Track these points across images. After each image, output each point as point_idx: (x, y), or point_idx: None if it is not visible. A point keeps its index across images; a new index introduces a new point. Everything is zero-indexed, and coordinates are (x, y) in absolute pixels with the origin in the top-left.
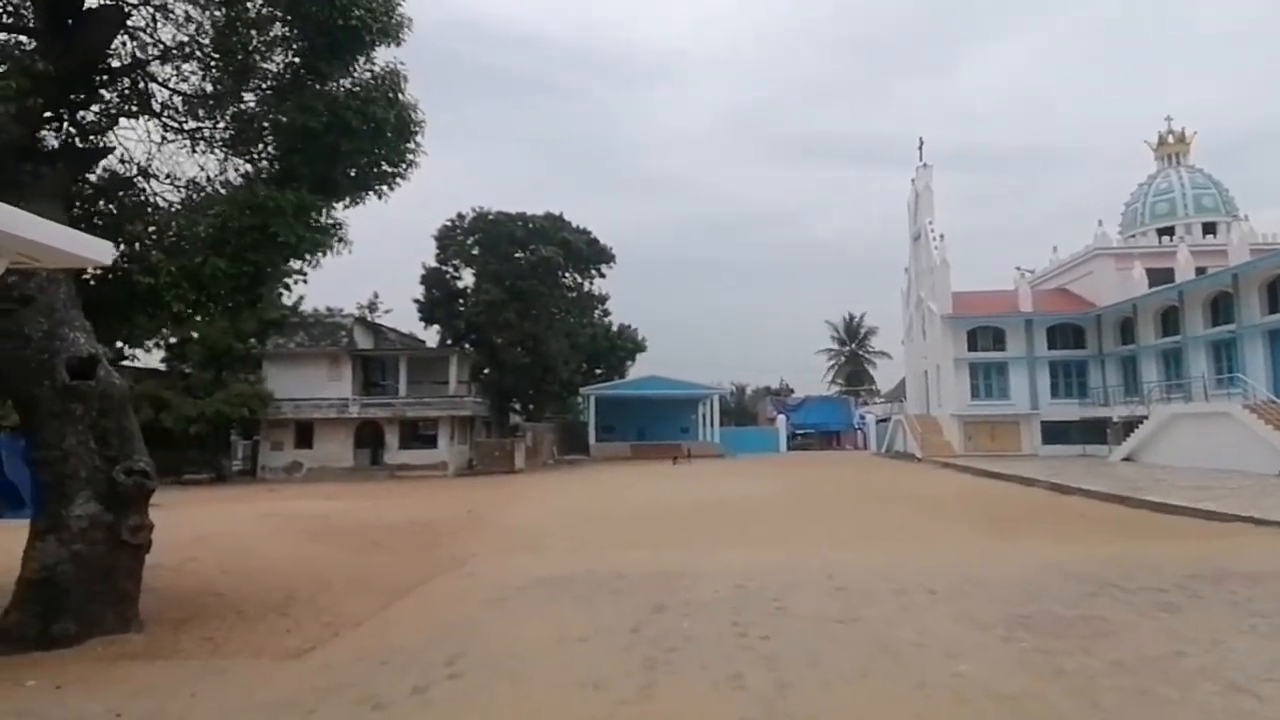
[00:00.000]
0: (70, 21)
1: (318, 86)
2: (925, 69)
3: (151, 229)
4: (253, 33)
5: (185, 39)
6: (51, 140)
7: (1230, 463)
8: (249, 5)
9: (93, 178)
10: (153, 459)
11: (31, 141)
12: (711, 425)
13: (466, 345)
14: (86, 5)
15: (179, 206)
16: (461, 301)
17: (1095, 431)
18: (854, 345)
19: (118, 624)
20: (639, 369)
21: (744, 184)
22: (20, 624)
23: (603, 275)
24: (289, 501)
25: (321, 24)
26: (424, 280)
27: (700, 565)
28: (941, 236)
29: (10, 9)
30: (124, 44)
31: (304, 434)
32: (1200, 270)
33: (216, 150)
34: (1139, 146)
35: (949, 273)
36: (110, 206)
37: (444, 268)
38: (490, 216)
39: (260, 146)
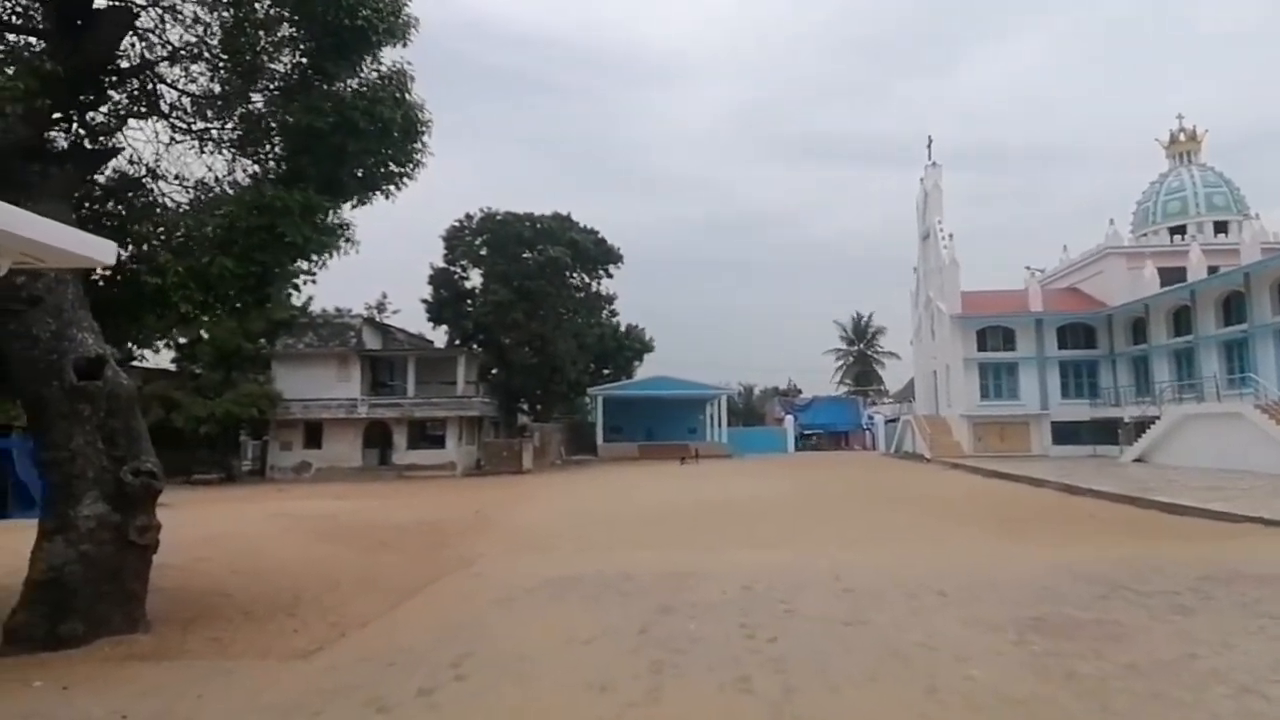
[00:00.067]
0: (79, 23)
1: (325, 87)
2: (927, 68)
3: (159, 229)
4: (261, 33)
5: (193, 40)
6: (61, 141)
7: (1242, 463)
8: (257, 6)
9: (101, 179)
10: (163, 459)
11: (40, 142)
12: (719, 425)
13: (474, 345)
14: (95, 6)
15: (187, 207)
16: (469, 302)
17: (1106, 432)
18: (862, 345)
19: (125, 624)
20: (647, 369)
21: (748, 184)
22: (28, 624)
23: (610, 275)
24: (298, 501)
25: (328, 24)
26: (432, 280)
27: (708, 566)
28: (950, 236)
29: (19, 10)
30: (132, 45)
31: (313, 434)
32: (1212, 269)
33: (224, 151)
34: (1140, 146)
35: (958, 272)
36: (119, 208)
37: (452, 268)
38: (498, 217)
39: (268, 147)
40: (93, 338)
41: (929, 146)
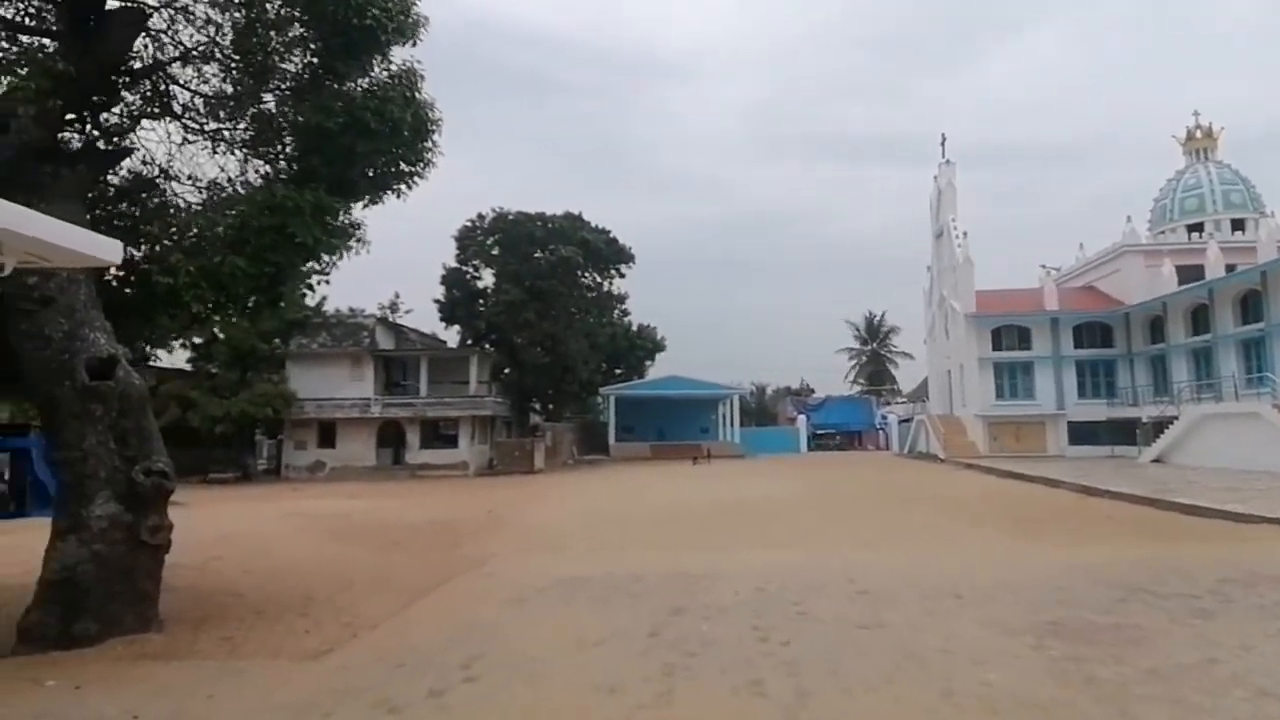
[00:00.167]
0: (91, 24)
1: (336, 87)
2: (940, 66)
3: (172, 230)
4: (272, 34)
5: (205, 40)
6: (75, 142)
7: (1261, 463)
8: (268, 6)
9: (115, 180)
10: (179, 458)
11: (53, 143)
12: (731, 425)
13: (487, 345)
14: (107, 7)
15: (199, 207)
16: (481, 302)
17: (1124, 432)
18: (875, 344)
19: (137, 624)
20: (658, 369)
21: (760, 183)
22: (41, 624)
23: (622, 275)
24: (312, 500)
25: (338, 24)
26: (444, 280)
27: (720, 567)
28: (964, 234)
29: (32, 12)
30: (145, 46)
31: (327, 433)
32: (1230, 268)
33: (237, 151)
34: (1151, 143)
35: (973, 270)
36: (133, 208)
37: (464, 268)
38: (510, 217)
39: (279, 147)
40: (105, 338)
41: (942, 144)
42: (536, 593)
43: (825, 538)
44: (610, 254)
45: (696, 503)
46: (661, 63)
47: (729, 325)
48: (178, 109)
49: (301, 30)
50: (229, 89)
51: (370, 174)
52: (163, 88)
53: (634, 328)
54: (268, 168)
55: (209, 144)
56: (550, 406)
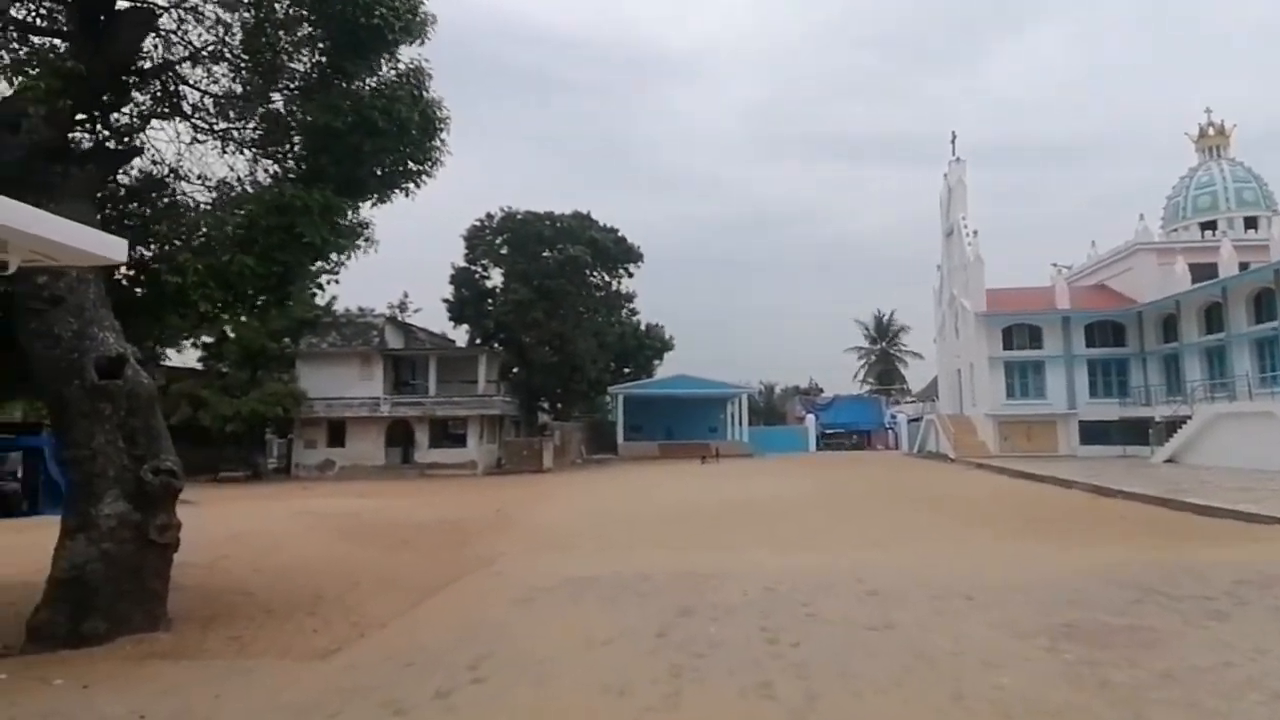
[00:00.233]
0: (101, 24)
1: (344, 86)
2: (947, 64)
3: (181, 229)
4: (281, 33)
5: (214, 40)
6: (85, 142)
7: (1275, 463)
8: (277, 6)
9: (126, 180)
10: (190, 457)
11: (63, 143)
12: (740, 424)
13: (495, 345)
14: (116, 7)
15: (208, 206)
16: (490, 301)
17: (1136, 432)
18: (885, 343)
19: (146, 623)
20: (666, 368)
21: (761, 182)
22: (50, 622)
23: (630, 274)
24: (321, 499)
25: (346, 23)
26: (453, 280)
27: (728, 567)
28: (975, 232)
29: (43, 12)
30: (154, 46)
31: (336, 432)
32: (1243, 265)
33: (246, 151)
34: (1148, 145)
35: (983, 269)
36: (143, 208)
37: (473, 267)
38: (518, 216)
39: (288, 146)
40: (114, 337)
41: (952, 142)
42: (544, 592)
43: (834, 538)
44: (618, 253)
45: (705, 502)
46: (665, 61)
47: (735, 324)
48: (187, 109)
49: (310, 29)
50: (238, 89)
51: (378, 173)
52: (172, 87)
53: (642, 327)
54: (276, 167)
55: (218, 143)
56: (558, 406)
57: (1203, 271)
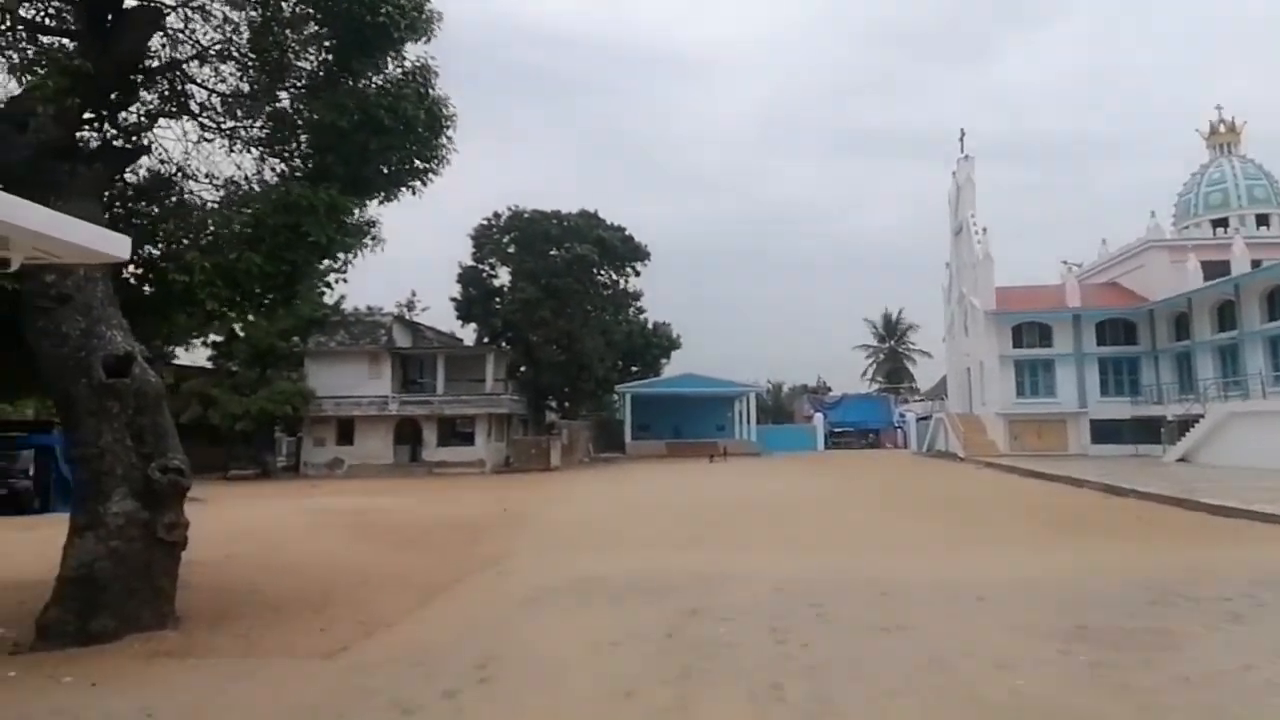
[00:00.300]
0: (109, 23)
1: (350, 84)
2: (959, 62)
3: (188, 227)
4: (287, 32)
5: (221, 39)
6: (93, 141)
7: None
8: (284, 4)
9: (134, 179)
10: (200, 455)
11: (71, 142)
12: (748, 423)
13: (503, 343)
14: (124, 6)
15: (215, 205)
16: (498, 300)
17: (1148, 431)
18: (893, 342)
19: (154, 621)
20: (674, 367)
21: (774, 181)
22: (59, 620)
23: (637, 273)
24: (330, 497)
25: (352, 21)
26: (461, 279)
27: (737, 567)
28: (984, 230)
29: (51, 12)
30: (162, 45)
31: (345, 431)
32: (1255, 263)
33: (253, 149)
34: (1151, 144)
35: (992, 267)
36: (151, 207)
37: (480, 266)
38: (526, 215)
39: (294, 145)
40: (121, 335)
41: (961, 139)
42: (552, 592)
43: (844, 538)
44: (626, 251)
45: (713, 501)
46: (677, 60)
47: (743, 322)
48: (194, 107)
49: (316, 28)
50: (245, 87)
51: (385, 171)
52: (179, 86)
53: (649, 325)
54: (283, 166)
55: (225, 142)
56: (566, 404)
57: (1215, 269)
